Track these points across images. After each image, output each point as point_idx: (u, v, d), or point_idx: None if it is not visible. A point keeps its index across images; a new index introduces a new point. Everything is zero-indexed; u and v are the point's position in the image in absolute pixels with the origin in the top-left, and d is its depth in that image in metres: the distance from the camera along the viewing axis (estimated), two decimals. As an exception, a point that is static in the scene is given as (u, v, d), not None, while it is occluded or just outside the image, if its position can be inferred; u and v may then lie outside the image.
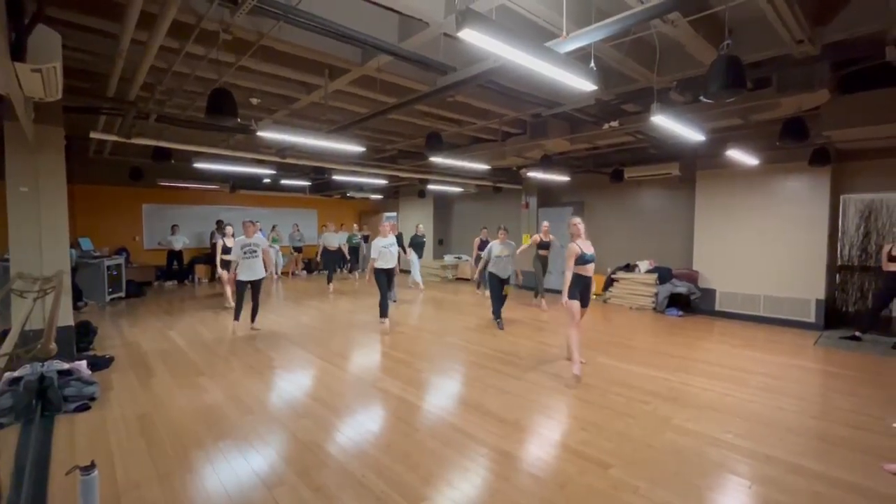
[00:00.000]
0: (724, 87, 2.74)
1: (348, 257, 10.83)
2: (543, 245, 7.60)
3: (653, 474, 2.52)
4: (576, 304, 4.13)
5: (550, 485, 2.42)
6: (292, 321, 6.57)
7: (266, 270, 5.85)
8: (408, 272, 10.25)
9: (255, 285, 5.78)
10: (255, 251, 5.71)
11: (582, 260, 4.09)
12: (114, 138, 5.40)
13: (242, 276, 5.68)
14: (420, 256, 9.75)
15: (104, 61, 4.01)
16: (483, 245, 8.80)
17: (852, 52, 3.64)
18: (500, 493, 2.34)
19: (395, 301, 7.86)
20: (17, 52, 2.20)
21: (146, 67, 3.65)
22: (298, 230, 12.20)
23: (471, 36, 2.12)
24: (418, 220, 12.43)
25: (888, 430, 3.12)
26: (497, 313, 6.24)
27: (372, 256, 5.91)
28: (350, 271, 12.16)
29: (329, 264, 9.84)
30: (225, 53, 3.68)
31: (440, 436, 2.98)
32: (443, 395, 3.83)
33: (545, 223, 7.85)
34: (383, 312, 6.02)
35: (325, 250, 9.80)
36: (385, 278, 6.01)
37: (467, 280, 11.54)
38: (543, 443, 2.94)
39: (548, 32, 3.16)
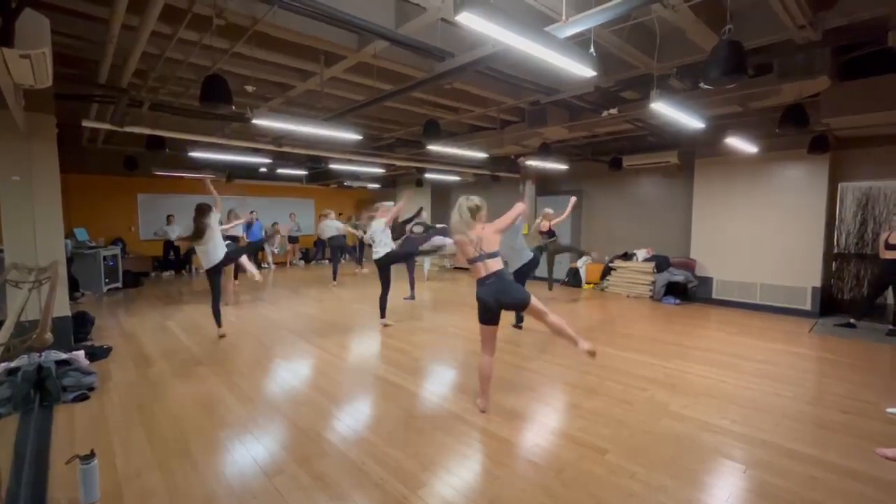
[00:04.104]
0: (724, 73, 2.71)
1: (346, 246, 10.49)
2: (549, 234, 6.88)
3: (649, 460, 2.55)
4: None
5: (548, 471, 2.44)
6: (290, 311, 6.56)
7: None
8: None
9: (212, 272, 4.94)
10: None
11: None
12: (106, 127, 5.33)
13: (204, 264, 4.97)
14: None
15: (95, 47, 3.93)
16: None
17: (854, 37, 3.60)
18: (499, 480, 2.36)
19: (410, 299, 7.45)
20: (5, 38, 2.14)
21: (138, 53, 3.59)
22: (295, 220, 12.14)
23: (469, 20, 2.08)
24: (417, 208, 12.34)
25: (882, 415, 3.16)
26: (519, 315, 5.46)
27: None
28: (359, 262, 11.95)
29: (334, 254, 9.49)
30: (218, 39, 3.62)
31: (439, 423, 3.00)
32: (441, 383, 3.85)
33: (547, 210, 7.00)
34: (382, 311, 5.60)
35: (330, 240, 9.43)
36: (384, 272, 5.53)
37: (465, 269, 11.54)
38: (541, 430, 2.96)
39: (547, 17, 3.12)
